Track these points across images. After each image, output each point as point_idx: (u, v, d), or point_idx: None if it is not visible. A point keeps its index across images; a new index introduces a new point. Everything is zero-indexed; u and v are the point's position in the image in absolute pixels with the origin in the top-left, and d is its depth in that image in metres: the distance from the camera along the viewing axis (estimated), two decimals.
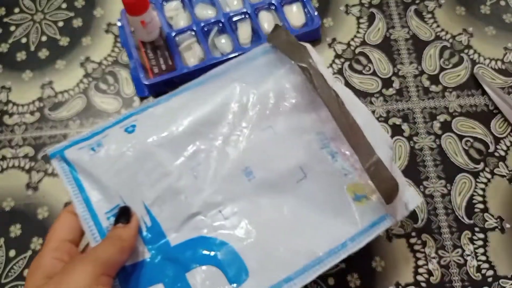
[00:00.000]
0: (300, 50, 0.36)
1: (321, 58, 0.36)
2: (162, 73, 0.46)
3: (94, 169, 0.34)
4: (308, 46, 0.37)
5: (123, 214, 0.33)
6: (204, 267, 0.32)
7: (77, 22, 0.52)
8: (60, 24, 0.52)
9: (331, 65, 0.49)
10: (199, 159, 0.35)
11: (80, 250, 0.33)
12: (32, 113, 0.48)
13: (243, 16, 0.49)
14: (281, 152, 0.36)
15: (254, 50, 0.39)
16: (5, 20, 0.52)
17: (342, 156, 0.36)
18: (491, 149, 0.45)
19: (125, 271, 0.32)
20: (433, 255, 0.41)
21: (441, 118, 0.46)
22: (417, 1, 0.52)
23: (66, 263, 0.30)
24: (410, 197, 0.35)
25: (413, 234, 0.42)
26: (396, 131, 0.46)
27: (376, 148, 0.33)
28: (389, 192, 0.32)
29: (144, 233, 0.34)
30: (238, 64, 0.39)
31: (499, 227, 0.42)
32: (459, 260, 0.41)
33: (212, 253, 0.33)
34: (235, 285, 0.32)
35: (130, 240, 0.32)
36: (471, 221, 0.42)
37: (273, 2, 0.49)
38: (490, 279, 0.40)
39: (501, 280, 0.40)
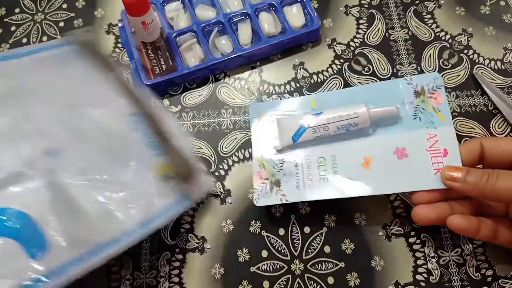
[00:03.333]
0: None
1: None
2: (163, 74, 0.47)
3: None
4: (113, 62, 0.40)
5: None
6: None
7: (78, 23, 0.52)
8: (61, 24, 0.52)
9: (330, 66, 0.49)
10: None
11: None
12: None
13: (243, 17, 0.49)
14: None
15: (50, 43, 0.41)
16: (6, 20, 0.53)
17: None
18: None
19: None
20: (432, 254, 0.41)
21: None
22: (416, 2, 0.52)
23: None
24: (205, 182, 0.39)
25: (412, 233, 0.42)
26: None
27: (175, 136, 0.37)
28: (184, 174, 0.36)
29: None
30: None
31: None
32: (458, 259, 0.41)
33: (7, 224, 0.30)
34: (33, 258, 0.29)
35: None
36: None
37: (273, 3, 0.49)
38: (489, 279, 0.40)
39: (500, 280, 0.40)
